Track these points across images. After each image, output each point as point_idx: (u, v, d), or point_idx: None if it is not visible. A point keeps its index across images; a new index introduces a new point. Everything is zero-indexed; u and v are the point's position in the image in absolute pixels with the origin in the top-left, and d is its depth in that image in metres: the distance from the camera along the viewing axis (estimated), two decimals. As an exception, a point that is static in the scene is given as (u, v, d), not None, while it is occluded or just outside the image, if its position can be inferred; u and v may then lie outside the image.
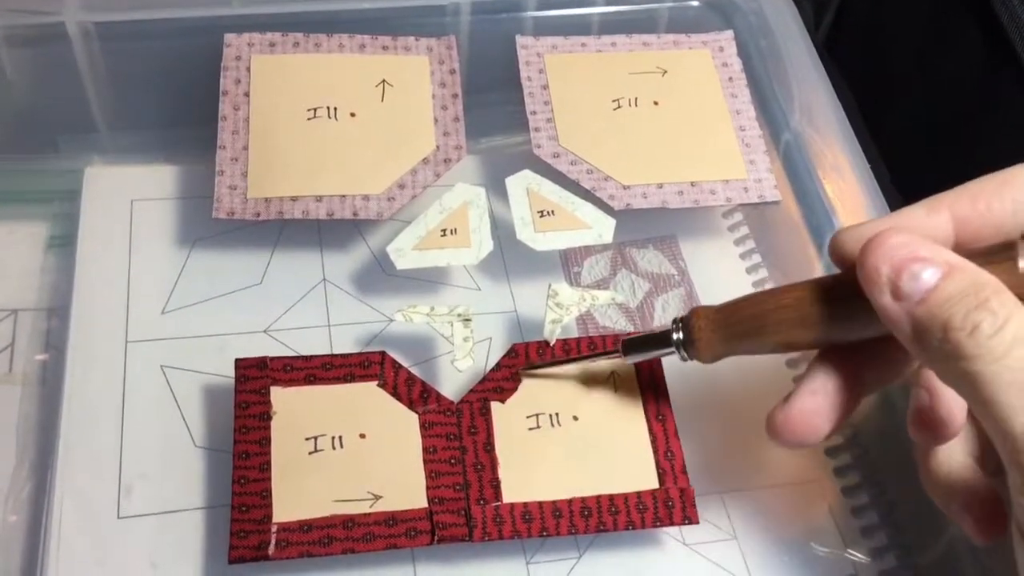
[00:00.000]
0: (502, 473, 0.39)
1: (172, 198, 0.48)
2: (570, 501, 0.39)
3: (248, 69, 0.48)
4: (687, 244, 0.50)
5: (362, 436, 0.39)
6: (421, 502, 0.38)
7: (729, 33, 0.53)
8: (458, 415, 0.40)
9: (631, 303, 0.47)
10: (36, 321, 0.45)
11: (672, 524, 0.39)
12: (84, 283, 0.45)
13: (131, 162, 0.49)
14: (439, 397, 0.41)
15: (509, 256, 0.48)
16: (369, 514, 0.37)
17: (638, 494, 0.39)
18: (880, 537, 0.42)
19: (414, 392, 0.41)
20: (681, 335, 0.37)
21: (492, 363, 0.43)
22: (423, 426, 0.40)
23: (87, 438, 0.40)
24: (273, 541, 0.36)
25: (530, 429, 0.40)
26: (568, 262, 0.48)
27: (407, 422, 0.40)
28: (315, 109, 0.47)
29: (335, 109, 0.47)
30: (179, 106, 0.50)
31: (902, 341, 0.31)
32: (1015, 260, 0.30)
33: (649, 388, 0.41)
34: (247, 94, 0.47)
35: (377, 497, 0.38)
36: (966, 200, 0.33)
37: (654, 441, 0.40)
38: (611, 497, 0.39)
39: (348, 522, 0.37)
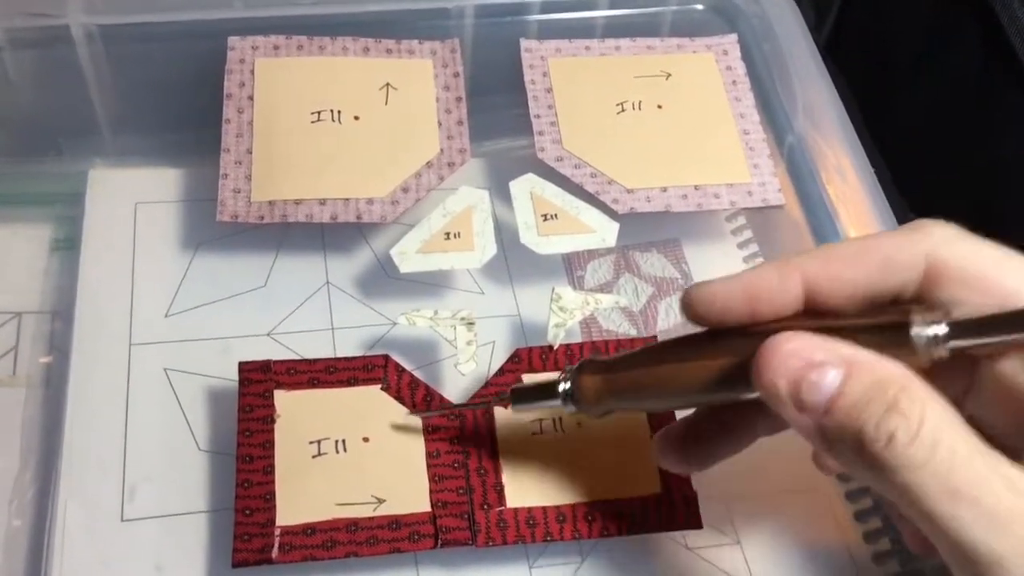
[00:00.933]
0: (505, 478, 0.39)
1: (176, 201, 0.48)
2: (574, 506, 0.39)
3: (252, 72, 0.48)
4: (690, 248, 0.50)
5: (365, 440, 0.39)
6: (424, 506, 0.38)
7: (733, 37, 0.53)
8: (461, 420, 0.40)
9: (634, 307, 0.47)
10: (40, 324, 0.45)
11: (675, 529, 0.39)
12: (88, 286, 0.45)
13: (135, 165, 0.49)
14: (443, 401, 0.41)
15: (512, 260, 0.48)
16: (372, 518, 0.37)
17: (642, 499, 0.39)
18: (883, 542, 0.42)
19: (417, 396, 0.41)
20: (567, 387, 0.36)
21: (495, 367, 0.43)
22: (426, 430, 0.40)
23: (91, 441, 0.40)
24: (276, 544, 0.36)
25: (533, 434, 0.40)
26: (571, 266, 0.48)
27: (411, 426, 0.40)
28: (319, 112, 0.47)
29: (339, 112, 0.47)
30: (183, 109, 0.50)
31: (818, 448, 0.30)
32: (907, 334, 0.29)
33: None
34: (251, 97, 0.47)
35: (380, 501, 0.38)
36: (818, 265, 0.31)
37: None
38: (614, 502, 0.39)
39: (351, 525, 0.37)
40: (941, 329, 0.28)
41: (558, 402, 0.36)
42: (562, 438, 0.40)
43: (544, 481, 0.39)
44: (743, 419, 0.35)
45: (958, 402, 0.29)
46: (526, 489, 0.39)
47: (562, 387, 0.36)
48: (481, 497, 0.38)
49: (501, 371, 0.42)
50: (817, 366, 0.29)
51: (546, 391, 0.36)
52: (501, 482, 0.39)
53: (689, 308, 0.33)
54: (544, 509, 0.38)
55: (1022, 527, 0.26)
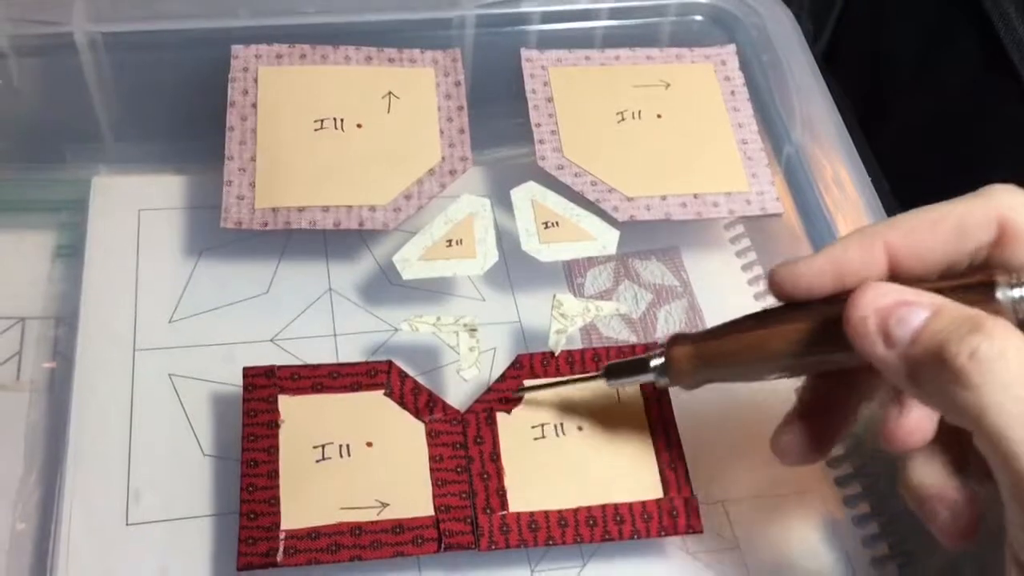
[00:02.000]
0: (508, 482, 0.39)
1: (179, 208, 0.49)
2: (575, 510, 0.39)
3: (255, 80, 0.48)
4: (689, 255, 0.50)
5: (369, 444, 0.40)
6: (428, 510, 0.38)
7: (731, 47, 0.53)
8: (464, 425, 0.40)
9: (634, 314, 0.48)
10: (43, 329, 0.45)
11: (676, 533, 0.39)
12: (92, 292, 0.45)
13: (138, 172, 0.50)
14: (445, 406, 0.41)
15: (513, 267, 0.48)
16: (376, 522, 0.38)
17: (643, 503, 0.39)
18: (881, 547, 0.42)
19: (420, 401, 0.41)
20: (662, 361, 0.37)
21: (497, 373, 0.43)
22: (429, 435, 0.40)
23: (96, 445, 0.41)
24: (281, 548, 0.37)
25: (535, 439, 0.41)
26: (572, 273, 0.49)
27: (414, 431, 0.40)
28: (322, 120, 0.48)
29: (342, 120, 0.48)
30: (186, 116, 0.50)
31: (900, 386, 0.31)
32: (992, 294, 0.30)
33: (653, 399, 0.42)
34: (254, 105, 0.47)
35: (384, 505, 0.38)
36: (899, 234, 0.33)
37: (658, 451, 0.41)
38: (616, 506, 0.39)
39: (355, 529, 0.37)
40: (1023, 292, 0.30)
41: (651, 376, 0.37)
42: (564, 443, 0.41)
43: (546, 486, 0.39)
44: (840, 394, 0.36)
45: None
46: (529, 494, 0.39)
47: (655, 362, 0.37)
48: (484, 501, 0.39)
49: (503, 377, 0.42)
50: (906, 303, 0.30)
51: (640, 366, 0.38)
52: (504, 487, 0.39)
53: (777, 287, 0.34)
54: (546, 513, 0.39)
55: None
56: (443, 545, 0.38)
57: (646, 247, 0.50)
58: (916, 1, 0.62)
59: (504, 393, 0.41)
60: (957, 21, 0.58)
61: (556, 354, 0.43)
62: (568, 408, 0.41)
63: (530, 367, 0.42)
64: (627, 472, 0.40)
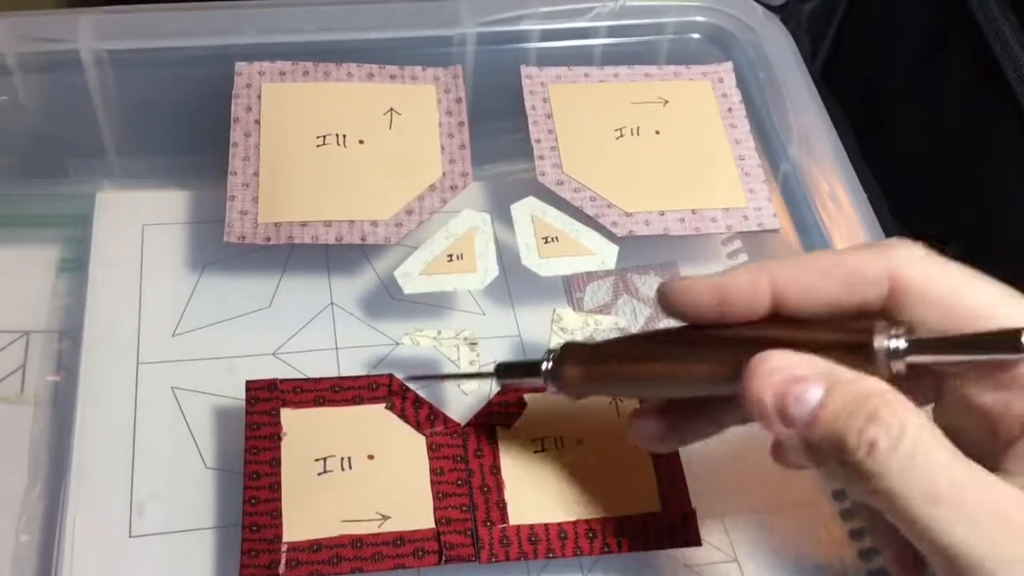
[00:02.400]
0: (508, 495, 0.40)
1: (182, 223, 0.49)
2: (575, 523, 0.39)
3: (259, 97, 0.48)
4: (687, 270, 0.51)
5: (370, 457, 0.40)
6: (429, 523, 0.39)
7: (728, 65, 0.54)
8: (464, 438, 0.41)
9: (632, 328, 0.48)
10: (47, 343, 0.46)
11: (675, 546, 0.39)
12: (96, 306, 0.45)
13: (142, 187, 0.50)
14: (446, 419, 0.41)
15: (513, 281, 0.49)
16: (377, 534, 0.38)
17: (641, 516, 0.40)
18: (878, 560, 0.42)
19: (421, 414, 0.41)
20: (550, 366, 0.37)
21: (497, 387, 0.44)
22: (430, 448, 0.41)
23: (99, 458, 0.41)
24: (283, 560, 0.37)
25: (535, 452, 0.41)
26: (571, 287, 0.49)
27: (415, 444, 0.41)
28: (324, 136, 0.48)
29: (344, 136, 0.48)
30: (189, 132, 0.51)
31: (803, 460, 0.31)
32: (870, 347, 0.30)
33: None
34: (258, 121, 0.48)
35: (385, 517, 0.39)
36: (789, 273, 0.33)
37: (656, 464, 0.41)
38: (615, 519, 0.39)
39: (357, 542, 0.38)
40: (901, 344, 0.30)
41: (540, 380, 0.38)
42: (564, 456, 0.41)
43: (546, 499, 0.40)
44: (716, 408, 0.36)
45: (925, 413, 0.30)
46: (528, 507, 0.40)
47: (545, 366, 0.37)
48: (484, 514, 0.39)
49: (503, 391, 0.42)
50: (801, 381, 0.30)
51: (529, 369, 0.38)
52: (504, 500, 0.39)
53: (663, 300, 0.35)
54: (546, 526, 0.39)
55: (1001, 528, 0.27)
56: (444, 558, 0.38)
57: (645, 262, 0.50)
58: (912, 19, 0.63)
59: (505, 407, 0.42)
60: (953, 39, 0.59)
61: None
62: (568, 422, 0.42)
63: None
64: (626, 485, 0.41)
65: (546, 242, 0.47)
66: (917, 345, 0.30)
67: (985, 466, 0.29)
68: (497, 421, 0.41)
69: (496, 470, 0.40)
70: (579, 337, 0.44)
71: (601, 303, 0.49)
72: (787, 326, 0.33)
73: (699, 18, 0.56)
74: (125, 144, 0.52)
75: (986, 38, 0.55)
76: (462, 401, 0.44)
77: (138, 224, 0.49)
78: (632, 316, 0.48)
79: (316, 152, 0.48)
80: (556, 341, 0.44)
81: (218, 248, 0.47)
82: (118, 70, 0.50)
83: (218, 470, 0.41)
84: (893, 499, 0.28)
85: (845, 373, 0.30)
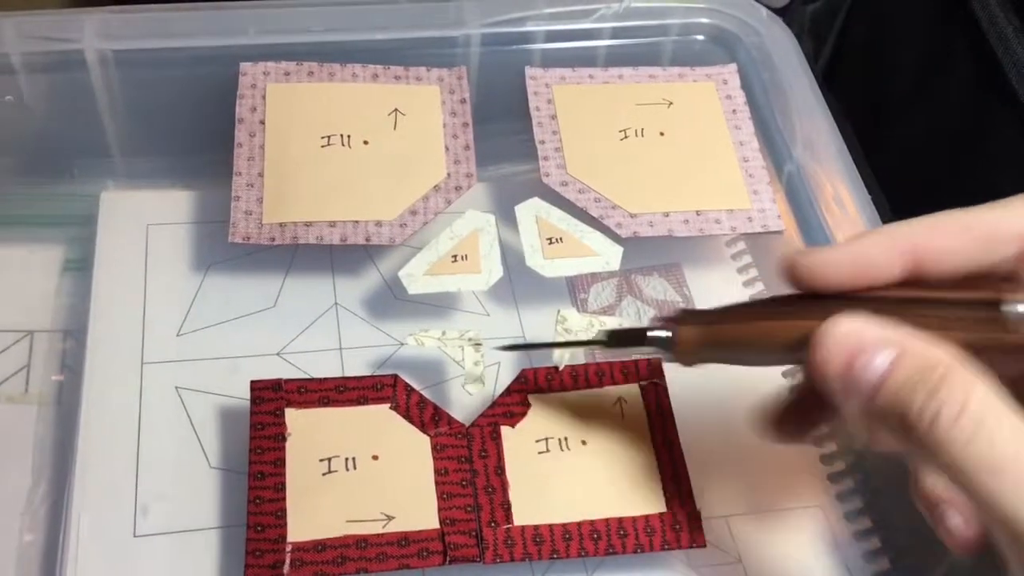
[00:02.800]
0: (512, 496, 0.40)
1: (187, 223, 0.49)
2: (579, 524, 0.39)
3: (263, 97, 0.49)
4: (691, 272, 0.51)
5: (375, 458, 0.40)
6: (433, 523, 0.39)
7: (732, 66, 0.54)
8: (469, 439, 0.41)
9: (636, 329, 0.48)
10: (51, 342, 0.46)
11: (680, 547, 0.39)
12: (100, 305, 0.45)
13: (146, 187, 0.50)
14: (450, 420, 0.41)
15: (517, 282, 0.49)
16: (382, 534, 0.38)
17: (646, 517, 0.40)
18: (882, 562, 0.42)
19: (426, 415, 0.41)
20: (668, 335, 0.36)
21: (501, 388, 0.44)
22: (435, 448, 0.41)
23: (104, 458, 0.41)
24: (288, 561, 0.37)
25: (540, 453, 0.41)
26: (575, 289, 0.49)
27: (419, 444, 0.41)
28: (329, 137, 0.48)
29: (348, 137, 0.48)
30: (194, 133, 0.51)
31: (867, 429, 0.31)
32: (998, 310, 0.30)
33: (656, 414, 0.42)
34: (262, 122, 0.48)
35: (390, 518, 0.39)
36: (925, 235, 0.32)
37: (661, 465, 0.41)
38: (620, 520, 0.39)
39: (361, 542, 0.38)
40: None
41: (652, 349, 0.36)
42: (568, 457, 0.41)
43: (551, 499, 0.40)
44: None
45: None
46: (533, 507, 0.40)
47: (661, 334, 0.35)
48: (489, 515, 0.39)
49: (508, 391, 0.42)
50: (867, 350, 0.30)
51: (643, 337, 0.36)
52: (508, 500, 0.39)
53: (792, 273, 0.33)
54: (551, 527, 0.39)
55: None
56: (448, 558, 0.38)
57: (649, 263, 0.50)
58: (915, 21, 0.63)
59: (509, 407, 0.42)
60: (956, 42, 0.59)
61: (560, 368, 0.43)
62: (572, 423, 0.42)
63: (535, 381, 0.43)
64: (631, 486, 0.41)
65: (550, 243, 0.47)
66: None
67: None
68: (502, 421, 0.41)
69: (501, 470, 0.40)
70: (583, 338, 0.44)
71: (605, 304, 0.49)
72: (917, 290, 0.32)
73: (703, 20, 0.56)
74: (129, 144, 0.52)
75: (988, 40, 0.55)
76: (466, 401, 0.44)
77: (142, 224, 0.49)
78: (636, 317, 0.48)
79: (321, 152, 0.48)
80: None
81: (222, 248, 0.47)
82: (123, 70, 0.50)
83: (222, 470, 0.41)
84: (956, 470, 0.28)
85: (915, 341, 0.30)
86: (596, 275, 0.49)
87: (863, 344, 0.30)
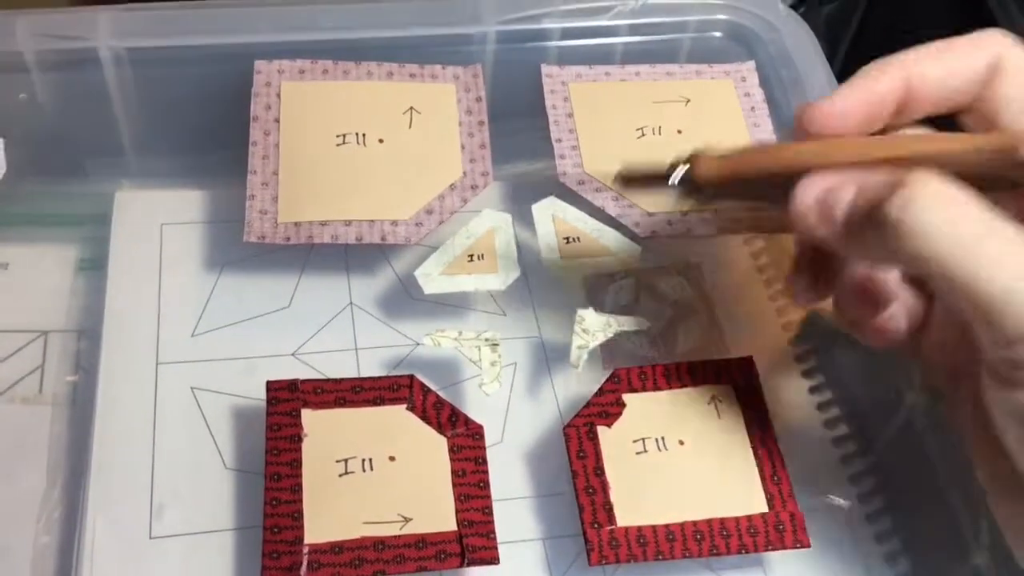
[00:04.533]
0: (614, 497, 0.39)
1: (201, 222, 0.49)
2: (682, 525, 0.39)
3: (278, 95, 0.48)
4: (710, 271, 0.50)
5: (392, 459, 0.40)
6: (451, 525, 0.38)
7: (751, 64, 0.53)
8: (566, 440, 0.40)
9: (654, 330, 0.48)
10: (66, 343, 0.45)
11: (784, 548, 0.39)
12: (115, 305, 0.45)
13: (161, 186, 0.50)
14: (467, 421, 0.41)
15: (534, 282, 0.48)
16: (399, 536, 0.38)
17: (748, 518, 0.39)
18: (904, 563, 0.42)
19: (443, 416, 0.41)
20: (682, 169, 0.37)
21: (518, 388, 0.44)
22: (452, 449, 0.40)
23: (119, 458, 0.41)
24: (305, 563, 0.37)
25: (637, 453, 0.41)
26: (592, 288, 0.49)
27: (436, 445, 0.40)
28: (344, 135, 0.48)
29: (363, 135, 0.48)
30: (208, 131, 0.50)
31: (852, 254, 0.35)
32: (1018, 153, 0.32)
33: (751, 412, 0.42)
34: (277, 120, 0.48)
35: (407, 519, 0.38)
36: (914, 62, 0.36)
37: (760, 465, 0.41)
38: (722, 520, 0.39)
39: (379, 544, 0.37)
40: None
41: (666, 184, 0.37)
42: (666, 457, 0.41)
43: (652, 500, 0.39)
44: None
45: None
46: (635, 508, 0.39)
47: (679, 168, 0.37)
48: (591, 516, 0.39)
49: (601, 391, 0.42)
50: (837, 187, 0.33)
51: (658, 174, 0.38)
52: (610, 501, 0.39)
53: (806, 121, 0.36)
54: (654, 528, 0.39)
55: None
56: (467, 560, 0.37)
57: (667, 262, 0.50)
58: (932, 25, 0.62)
59: (604, 407, 0.41)
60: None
61: (579, 369, 0.43)
62: (668, 423, 0.42)
63: (628, 380, 0.42)
64: (731, 486, 0.40)
65: (567, 242, 0.46)
66: None
67: None
68: (598, 421, 0.41)
69: (600, 471, 0.40)
70: (601, 339, 0.44)
71: (623, 304, 0.49)
72: (940, 139, 0.34)
73: (721, 16, 0.56)
74: (144, 143, 0.51)
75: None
76: (484, 403, 0.44)
77: (157, 223, 0.49)
78: (655, 317, 0.48)
79: (336, 151, 0.47)
80: (579, 342, 0.43)
81: (237, 248, 0.46)
82: (137, 68, 0.50)
83: (238, 471, 0.41)
84: (928, 251, 0.30)
85: (872, 177, 0.33)
86: (614, 274, 0.49)
87: (833, 183, 0.33)
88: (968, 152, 0.33)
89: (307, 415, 0.40)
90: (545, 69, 0.51)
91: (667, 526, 0.39)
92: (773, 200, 0.37)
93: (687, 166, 0.37)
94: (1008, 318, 0.29)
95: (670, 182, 0.37)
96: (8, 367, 0.44)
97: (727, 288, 0.49)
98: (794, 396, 0.46)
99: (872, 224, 0.32)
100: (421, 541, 0.38)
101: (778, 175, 0.36)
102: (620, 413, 0.42)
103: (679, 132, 0.50)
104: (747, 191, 0.37)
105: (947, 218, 0.30)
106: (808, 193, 0.34)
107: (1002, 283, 0.29)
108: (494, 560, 0.38)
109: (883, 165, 0.34)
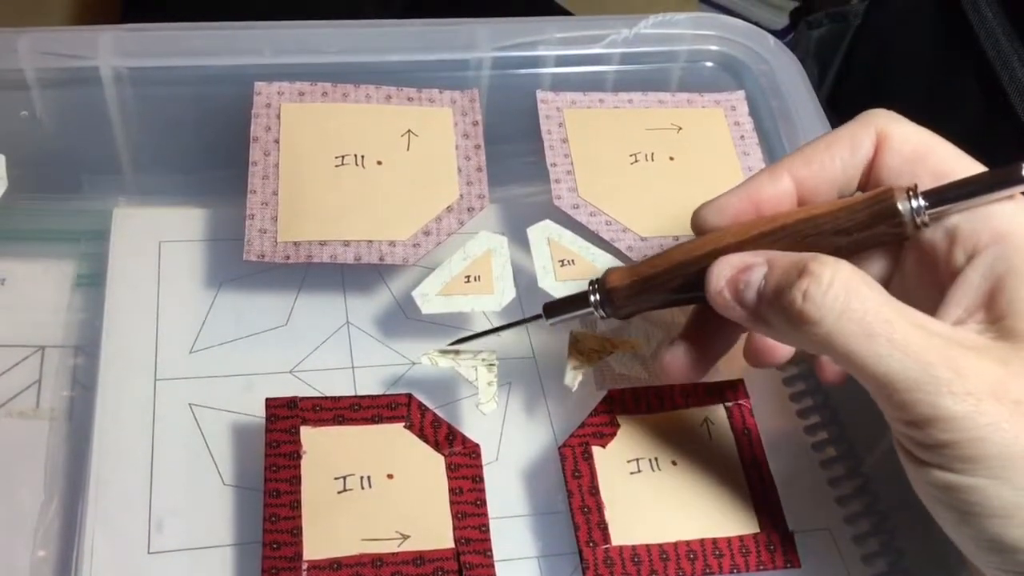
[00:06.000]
0: (609, 516, 0.40)
1: (199, 240, 0.49)
2: (675, 544, 0.40)
3: (278, 116, 0.49)
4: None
5: (390, 476, 0.40)
6: (448, 543, 0.39)
7: (741, 93, 0.54)
8: (561, 460, 0.41)
9: (645, 351, 0.49)
10: (63, 358, 0.46)
11: (775, 568, 0.40)
12: (113, 321, 0.46)
13: (159, 204, 0.50)
14: (464, 439, 0.42)
15: (529, 303, 0.49)
16: (397, 553, 0.38)
17: (740, 538, 0.40)
18: (890, 584, 0.43)
19: (440, 434, 0.41)
20: (597, 297, 0.40)
21: (513, 408, 0.44)
22: (449, 468, 0.41)
23: (118, 474, 0.41)
24: (304, 578, 0.37)
25: (631, 473, 0.41)
26: (585, 310, 0.50)
27: (433, 463, 0.41)
28: (343, 156, 0.48)
29: (362, 157, 0.49)
30: (206, 150, 0.51)
31: (765, 335, 0.37)
32: (895, 208, 0.35)
33: (742, 434, 0.43)
34: (277, 141, 0.48)
35: (405, 537, 0.39)
36: (801, 162, 0.38)
37: (751, 486, 0.42)
38: (714, 541, 0.40)
39: (377, 561, 0.38)
40: (921, 202, 0.35)
41: (589, 309, 0.41)
42: (660, 477, 0.41)
43: (646, 519, 0.40)
44: (724, 322, 0.39)
45: (884, 285, 0.35)
46: (629, 527, 0.40)
47: (592, 298, 0.40)
48: (586, 535, 0.39)
49: (596, 412, 0.43)
50: (747, 268, 0.35)
51: (576, 301, 0.41)
52: (605, 520, 0.40)
53: (699, 223, 0.39)
54: (648, 547, 0.39)
55: (930, 355, 0.31)
56: (464, 577, 0.38)
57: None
58: (920, 49, 0.64)
59: (598, 428, 0.42)
60: (961, 69, 0.60)
61: (573, 390, 0.43)
62: (661, 443, 0.42)
63: (621, 401, 0.43)
64: (723, 507, 0.41)
65: (562, 265, 0.47)
66: (932, 196, 0.35)
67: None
68: (593, 442, 0.42)
69: (595, 491, 0.40)
70: (595, 360, 0.44)
71: (614, 326, 0.49)
72: (817, 206, 0.37)
73: (712, 47, 0.57)
74: (142, 160, 0.52)
75: (994, 68, 0.56)
76: (479, 422, 0.44)
77: (155, 240, 0.49)
78: (645, 339, 0.49)
79: (335, 172, 0.48)
80: (573, 364, 0.44)
81: (235, 266, 0.47)
82: (137, 87, 0.51)
83: (236, 487, 0.42)
84: (834, 340, 0.32)
85: (780, 254, 0.35)
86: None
87: (743, 264, 0.35)
88: (844, 211, 0.36)
89: (306, 432, 0.40)
90: (540, 95, 0.52)
91: (661, 545, 0.40)
92: (681, 302, 0.40)
93: (596, 295, 0.40)
94: (910, 405, 0.31)
95: (591, 299, 0.40)
96: (5, 382, 0.44)
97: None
98: (783, 419, 0.47)
99: (779, 309, 0.34)
100: (419, 558, 0.38)
101: (678, 272, 0.38)
102: (614, 434, 0.42)
103: (671, 159, 0.52)
104: (656, 296, 0.40)
105: (849, 306, 0.32)
106: (721, 274, 0.36)
107: (904, 369, 0.31)
108: (491, 578, 0.38)
109: (767, 237, 0.36)
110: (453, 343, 0.44)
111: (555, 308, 0.42)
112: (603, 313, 0.40)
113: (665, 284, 0.39)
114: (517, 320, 0.44)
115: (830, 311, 0.32)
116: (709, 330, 0.40)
